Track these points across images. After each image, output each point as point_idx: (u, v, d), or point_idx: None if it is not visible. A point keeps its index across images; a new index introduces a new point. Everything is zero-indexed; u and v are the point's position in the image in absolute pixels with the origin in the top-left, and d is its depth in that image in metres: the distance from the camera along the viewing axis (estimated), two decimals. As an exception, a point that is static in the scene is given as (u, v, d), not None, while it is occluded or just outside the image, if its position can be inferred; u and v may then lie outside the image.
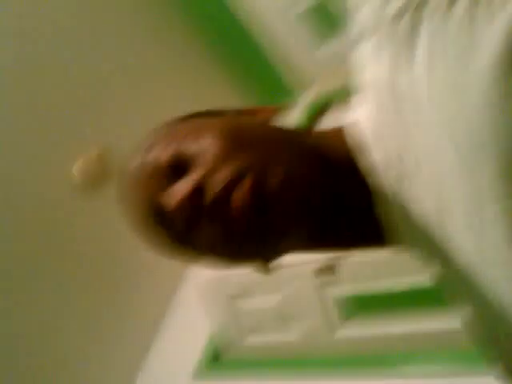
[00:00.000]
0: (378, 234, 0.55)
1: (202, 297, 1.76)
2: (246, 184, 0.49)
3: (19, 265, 1.73)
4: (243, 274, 1.63)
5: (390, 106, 0.48)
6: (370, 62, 0.50)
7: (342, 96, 2.00)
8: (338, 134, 0.57)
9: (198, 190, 0.50)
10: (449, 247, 0.49)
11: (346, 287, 1.46)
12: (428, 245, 0.51)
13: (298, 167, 0.52)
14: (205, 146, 0.52)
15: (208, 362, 1.84)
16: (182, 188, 0.51)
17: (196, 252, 0.56)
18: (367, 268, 1.39)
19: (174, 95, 2.23)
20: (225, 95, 2.42)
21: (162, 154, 0.54)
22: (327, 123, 2.14)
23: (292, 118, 2.07)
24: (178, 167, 0.53)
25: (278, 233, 0.52)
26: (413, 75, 0.45)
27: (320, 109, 2.21)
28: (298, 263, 1.49)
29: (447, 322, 1.27)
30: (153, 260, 1.26)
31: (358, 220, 0.55)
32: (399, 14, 0.46)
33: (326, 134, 0.59)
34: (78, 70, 2.02)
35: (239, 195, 0.49)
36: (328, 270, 1.45)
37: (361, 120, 0.54)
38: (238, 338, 1.75)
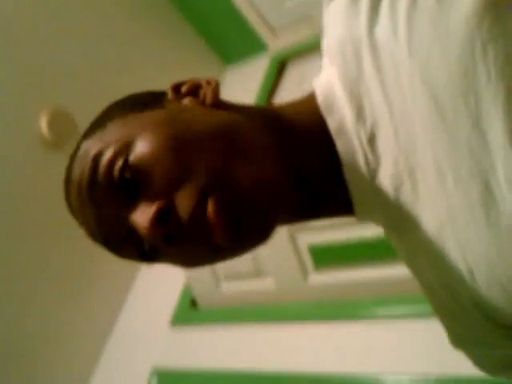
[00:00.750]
0: (347, 202, 0.53)
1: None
2: (212, 205, 0.46)
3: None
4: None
5: (365, 61, 0.47)
6: (345, 19, 0.48)
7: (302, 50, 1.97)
8: (308, 99, 0.54)
9: (164, 213, 0.47)
10: (419, 210, 0.48)
11: (319, 235, 1.49)
12: (396, 211, 0.50)
13: (258, 161, 0.50)
14: (153, 159, 0.48)
15: (185, 309, 1.88)
16: (145, 215, 0.48)
17: (167, 262, 0.54)
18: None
19: (142, 56, 2.23)
20: (192, 49, 2.39)
21: (109, 168, 0.49)
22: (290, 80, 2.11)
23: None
24: (129, 182, 0.49)
25: (257, 232, 0.51)
26: (392, 30, 0.44)
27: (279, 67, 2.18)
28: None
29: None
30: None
31: (327, 190, 0.54)
32: None
33: (295, 104, 0.56)
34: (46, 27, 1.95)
35: (212, 218, 0.46)
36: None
37: (332, 79, 0.52)
38: (214, 286, 1.78)
